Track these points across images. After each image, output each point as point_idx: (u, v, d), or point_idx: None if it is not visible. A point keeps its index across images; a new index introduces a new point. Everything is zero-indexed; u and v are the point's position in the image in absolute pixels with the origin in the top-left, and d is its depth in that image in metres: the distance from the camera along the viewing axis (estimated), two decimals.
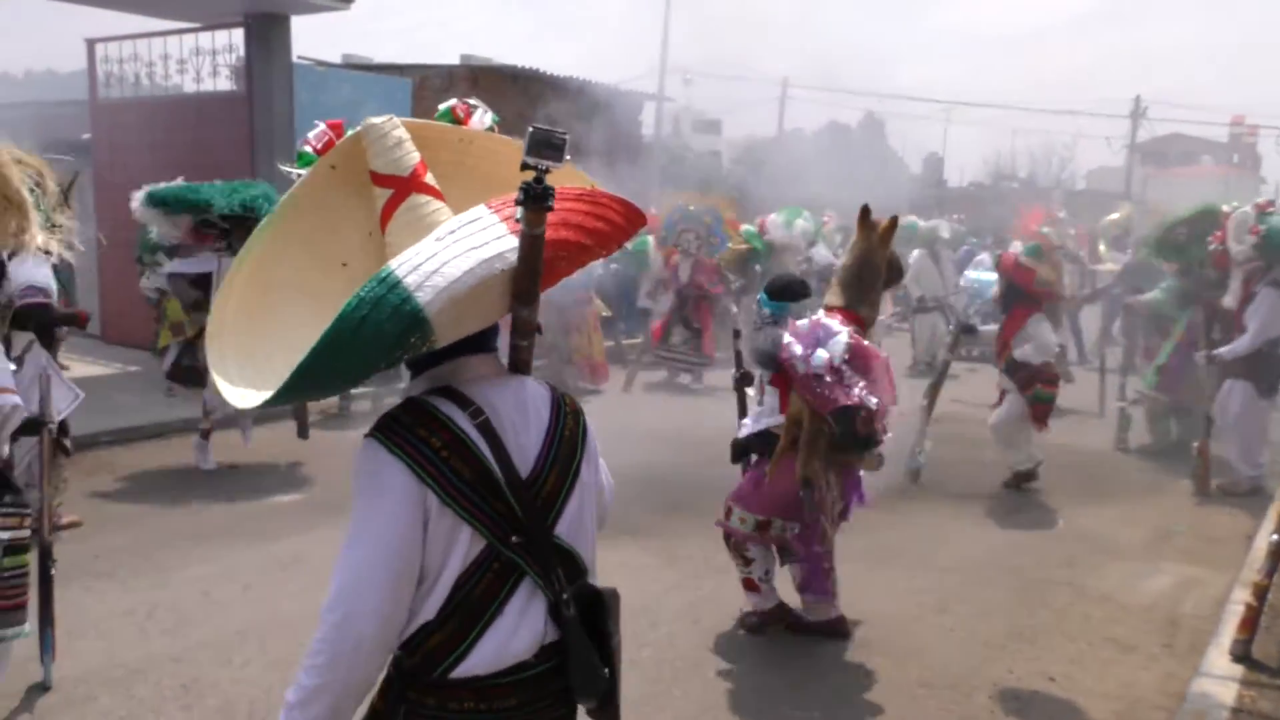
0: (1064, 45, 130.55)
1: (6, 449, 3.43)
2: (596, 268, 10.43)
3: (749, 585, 4.76)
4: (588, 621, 1.89)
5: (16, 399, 3.26)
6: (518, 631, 1.82)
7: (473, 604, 1.79)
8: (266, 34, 11.25)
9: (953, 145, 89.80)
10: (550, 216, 1.72)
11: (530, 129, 1.70)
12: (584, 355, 11.01)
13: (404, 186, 1.85)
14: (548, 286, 1.87)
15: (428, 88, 15.43)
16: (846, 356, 4.19)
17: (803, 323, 4.35)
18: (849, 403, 4.12)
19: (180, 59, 12.07)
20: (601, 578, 1.97)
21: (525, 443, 1.86)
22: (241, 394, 1.76)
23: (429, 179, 1.89)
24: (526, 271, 1.72)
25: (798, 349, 4.24)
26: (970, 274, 13.66)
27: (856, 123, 49.34)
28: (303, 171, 2.03)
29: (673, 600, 5.21)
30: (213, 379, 1.80)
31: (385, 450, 1.76)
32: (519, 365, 1.94)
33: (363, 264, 1.88)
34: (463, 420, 1.80)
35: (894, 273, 4.87)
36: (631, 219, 1.92)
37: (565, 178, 1.95)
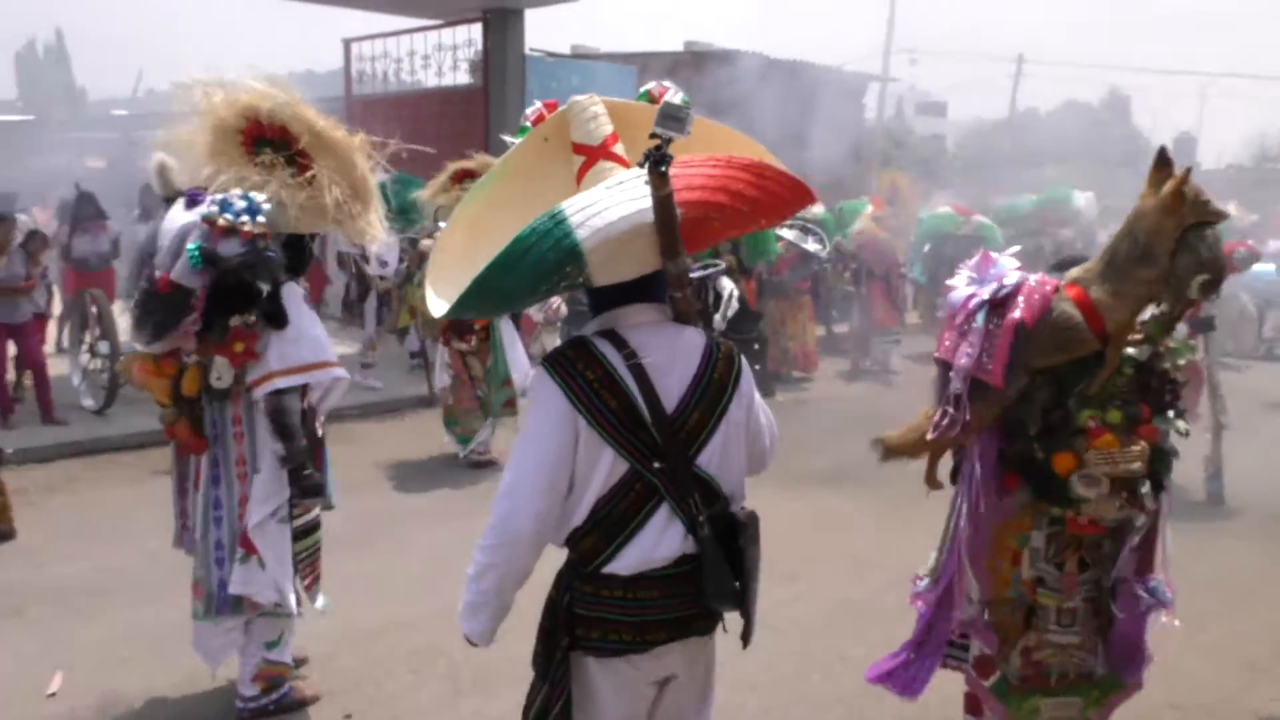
0: None
1: (321, 429, 3.76)
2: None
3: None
4: (724, 540, 2.15)
5: (341, 371, 3.59)
6: (658, 545, 2.13)
7: (616, 518, 2.12)
8: (502, 27, 11.75)
9: (1208, 123, 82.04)
10: (709, 181, 2.04)
11: (661, 103, 2.00)
12: (798, 344, 10.85)
13: (594, 154, 2.17)
14: (704, 246, 2.21)
15: (651, 73, 15.64)
16: (986, 299, 2.86)
17: (977, 257, 3.06)
18: (945, 357, 2.91)
19: (424, 54, 12.82)
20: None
21: (672, 383, 2.14)
22: (439, 305, 2.16)
23: (617, 149, 2.19)
24: (662, 228, 1.98)
25: (960, 280, 3.01)
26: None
27: (1098, 100, 46.26)
28: (517, 140, 2.37)
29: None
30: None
31: (549, 377, 2.11)
32: (678, 315, 2.22)
33: None
34: (616, 359, 2.10)
35: (1194, 261, 2.78)
36: (797, 194, 2.19)
37: (745, 149, 2.30)
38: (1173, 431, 2.90)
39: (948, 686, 3.50)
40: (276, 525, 3.49)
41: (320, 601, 3.80)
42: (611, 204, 1.94)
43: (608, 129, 2.19)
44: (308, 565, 3.71)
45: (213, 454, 3.50)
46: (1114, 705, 3.12)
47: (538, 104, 2.53)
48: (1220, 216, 2.78)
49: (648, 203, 1.96)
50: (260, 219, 3.27)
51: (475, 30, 12.17)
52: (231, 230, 3.23)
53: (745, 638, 2.30)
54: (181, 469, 3.65)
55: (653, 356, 2.12)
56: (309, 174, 3.35)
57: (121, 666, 4.11)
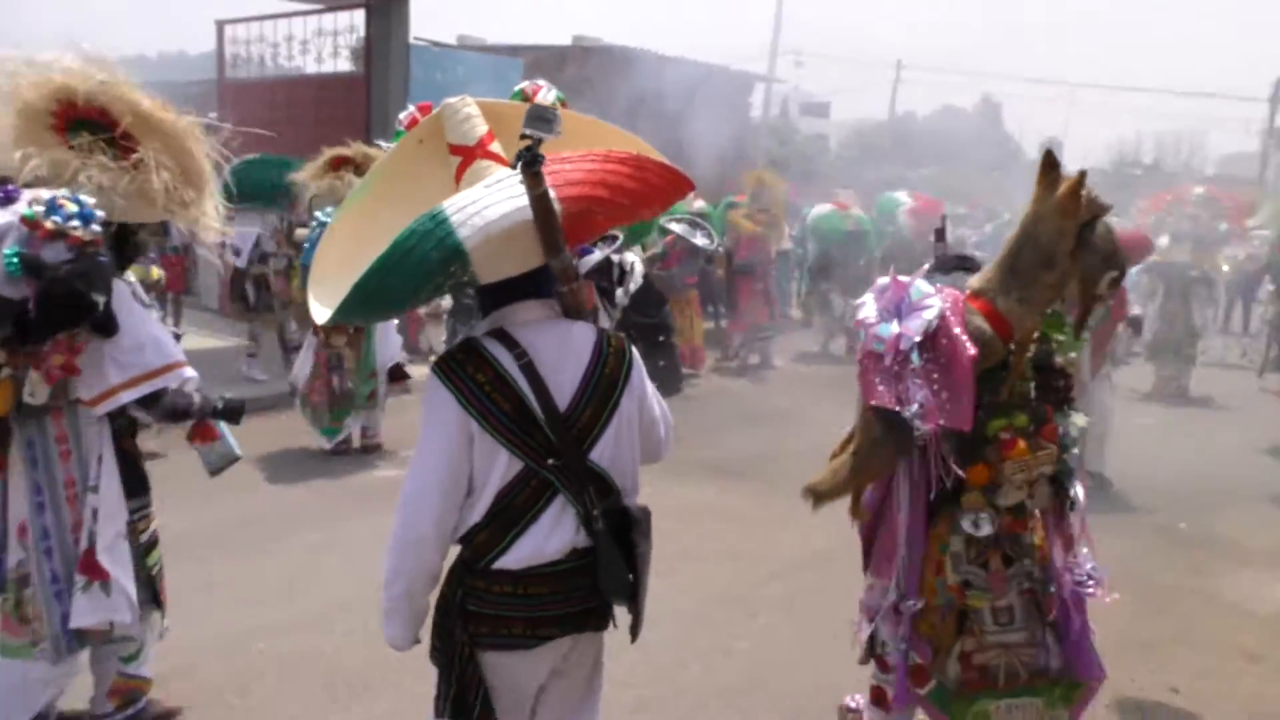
0: (1197, 25, 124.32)
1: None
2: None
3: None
4: (617, 534, 2.20)
5: (189, 371, 3.31)
6: (550, 537, 2.17)
7: (512, 512, 2.16)
8: (387, 14, 11.48)
9: (1074, 130, 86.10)
10: (588, 176, 2.08)
11: (529, 106, 2.09)
12: (685, 339, 10.92)
13: (470, 154, 2.19)
14: (586, 239, 2.33)
15: (540, 67, 15.51)
16: (917, 340, 2.75)
17: (884, 280, 2.94)
18: (886, 405, 2.74)
19: (303, 40, 12.43)
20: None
21: (563, 380, 2.17)
22: (322, 312, 2.16)
23: (493, 147, 2.21)
24: (542, 226, 2.02)
25: (870, 312, 2.89)
26: None
27: (972, 106, 48.04)
28: (392, 145, 2.40)
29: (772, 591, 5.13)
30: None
31: (440, 382, 2.14)
32: (566, 310, 2.24)
33: None
34: (507, 360, 2.13)
35: (1098, 259, 2.82)
36: (676, 184, 2.25)
37: (623, 143, 2.34)
38: (1078, 421, 2.96)
39: (835, 675, 3.54)
40: (121, 543, 3.22)
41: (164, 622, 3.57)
42: (491, 202, 1.97)
43: (483, 128, 2.22)
44: (161, 580, 3.47)
45: (33, 479, 3.13)
46: (1085, 702, 3.09)
47: (412, 108, 2.57)
48: (1107, 207, 2.83)
49: (526, 199, 1.99)
50: (94, 226, 2.96)
51: (357, 16, 11.84)
52: (59, 234, 2.90)
53: (634, 631, 2.35)
54: None
55: (543, 355, 2.16)
56: (134, 158, 3.05)
57: None
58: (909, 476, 2.94)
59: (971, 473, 2.82)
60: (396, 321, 7.71)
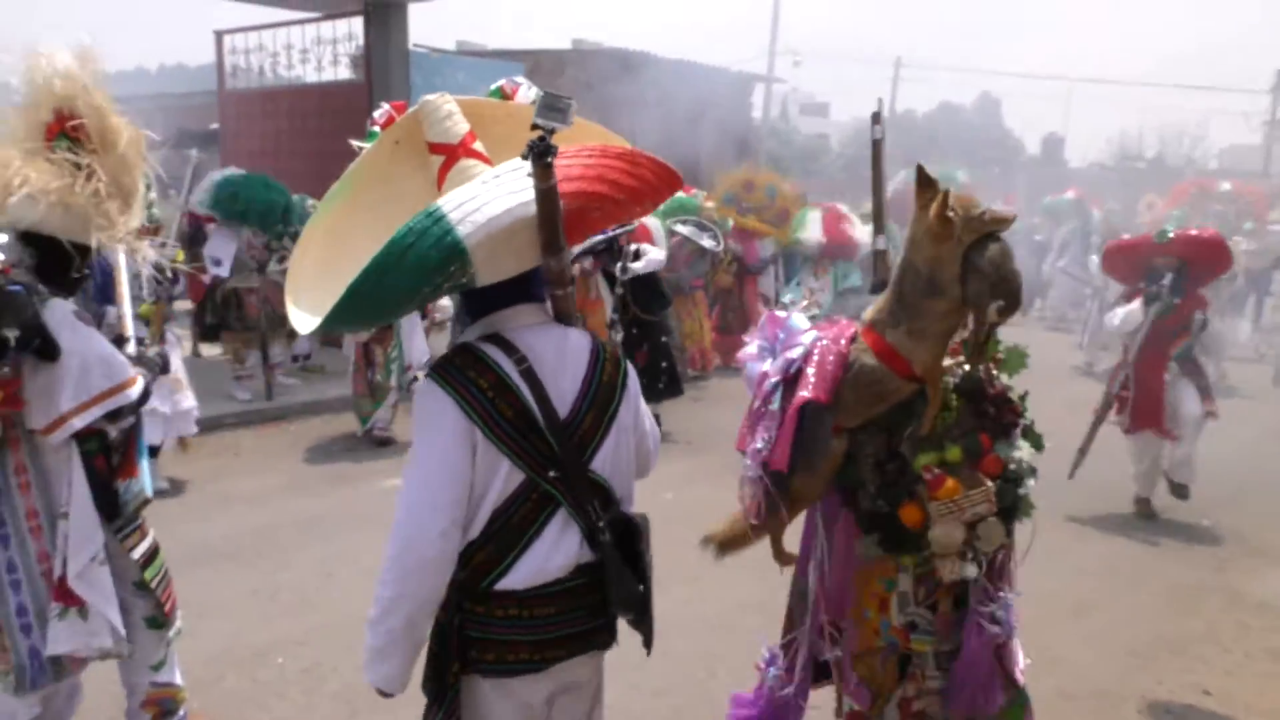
0: (1196, 17, 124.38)
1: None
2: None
3: None
4: (622, 545, 2.10)
5: (138, 388, 3.15)
6: (553, 554, 2.05)
7: (512, 528, 2.03)
8: (385, 21, 11.42)
9: (1075, 125, 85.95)
10: (587, 171, 2.00)
11: (541, 93, 1.97)
12: (694, 342, 10.86)
13: (454, 152, 2.10)
14: (583, 238, 2.16)
15: (539, 72, 15.49)
16: (776, 379, 2.66)
17: (763, 319, 2.82)
18: (741, 448, 2.71)
19: (303, 49, 12.37)
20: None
21: (564, 387, 2.08)
22: (306, 320, 2.03)
23: (477, 145, 2.12)
24: (544, 222, 1.93)
25: (750, 349, 2.81)
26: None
27: (970, 103, 47.95)
28: (367, 145, 2.26)
29: None
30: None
31: (439, 388, 2.00)
32: (559, 314, 2.16)
33: None
34: (508, 365, 2.02)
35: (985, 286, 2.44)
36: (666, 179, 2.16)
37: (603, 140, 2.24)
38: (1024, 452, 2.63)
39: None
40: (97, 567, 3.11)
41: (179, 622, 3.50)
42: (490, 198, 1.89)
43: (465, 126, 2.13)
44: (164, 590, 3.38)
45: None
46: None
47: (385, 106, 2.43)
48: (1001, 223, 2.45)
49: (527, 196, 1.91)
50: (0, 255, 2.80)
51: (356, 24, 11.77)
52: None
53: (648, 643, 2.27)
54: None
55: (543, 360, 2.06)
56: (71, 160, 2.89)
57: None
58: (821, 513, 2.81)
59: (904, 512, 2.58)
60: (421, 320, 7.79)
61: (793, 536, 2.90)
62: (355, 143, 2.43)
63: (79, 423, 2.99)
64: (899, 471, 2.60)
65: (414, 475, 2.01)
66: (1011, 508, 2.61)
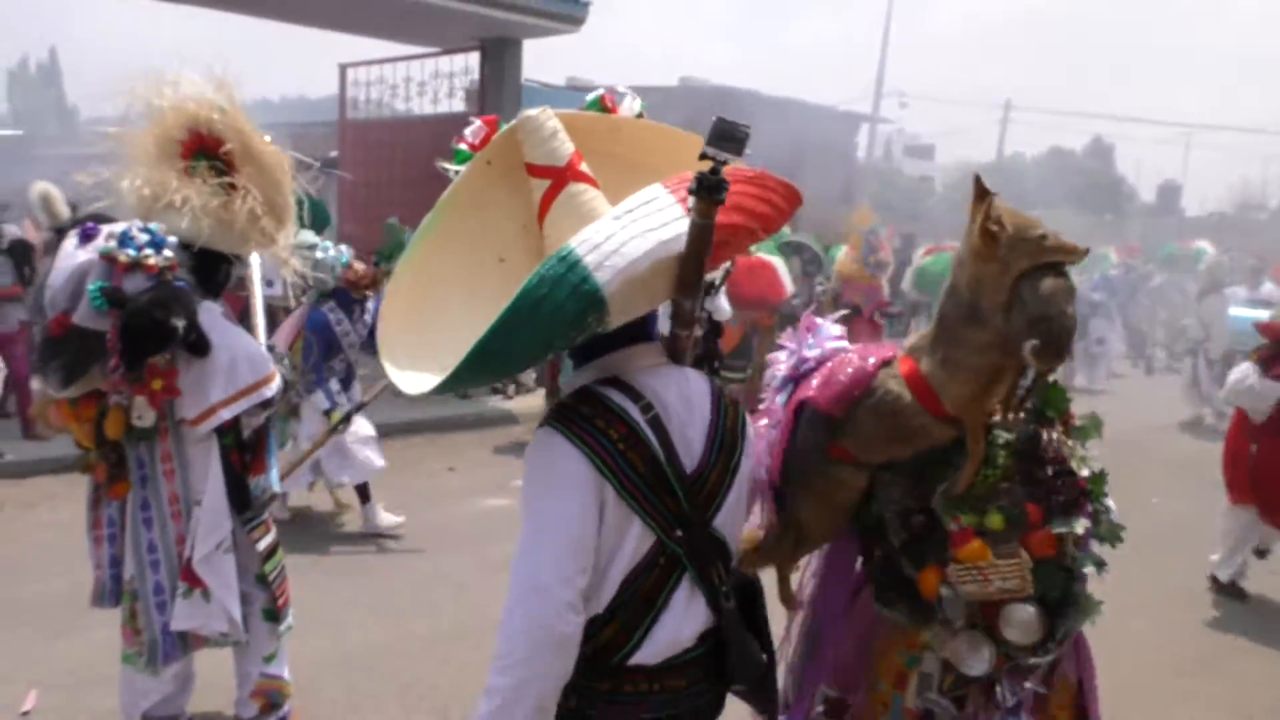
0: None
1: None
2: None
3: None
4: (743, 609, 1.93)
5: (278, 382, 3.42)
6: (685, 623, 1.85)
7: (641, 598, 1.82)
8: (500, 57, 11.79)
9: (1193, 172, 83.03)
10: (725, 200, 1.73)
11: (715, 119, 1.70)
12: None
13: (561, 176, 1.85)
14: (711, 270, 1.88)
15: (647, 107, 15.71)
16: (787, 374, 2.50)
17: (801, 321, 2.60)
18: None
19: (420, 81, 12.83)
20: None
21: (691, 436, 1.87)
22: (413, 380, 1.77)
23: (584, 168, 1.88)
24: (692, 258, 1.73)
25: (782, 353, 2.58)
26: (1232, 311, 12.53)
27: (1082, 148, 46.84)
28: (459, 168, 2.07)
29: None
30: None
31: (565, 440, 1.77)
32: (678, 355, 1.94)
33: (519, 258, 1.93)
34: (635, 413, 1.80)
35: (1023, 321, 2.07)
36: (791, 201, 1.93)
37: (677, 141, 2.05)
38: (1073, 531, 2.19)
39: None
40: (223, 555, 3.34)
41: (290, 619, 3.67)
42: (627, 238, 1.68)
43: (570, 146, 1.89)
44: (280, 584, 3.58)
45: (141, 496, 3.30)
46: None
47: (477, 123, 2.18)
48: (1064, 253, 2.08)
49: (667, 233, 1.71)
50: (167, 252, 3.10)
51: (472, 59, 12.20)
52: (135, 265, 3.04)
53: (771, 716, 2.08)
54: (96, 514, 3.42)
55: (670, 407, 1.86)
56: (226, 181, 3.17)
57: (99, 686, 3.98)
58: (828, 557, 2.56)
59: (923, 577, 2.26)
60: None
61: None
62: (443, 164, 2.20)
63: (227, 413, 3.26)
64: (926, 527, 2.27)
65: (537, 540, 1.76)
66: (1061, 601, 2.21)
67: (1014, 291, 2.06)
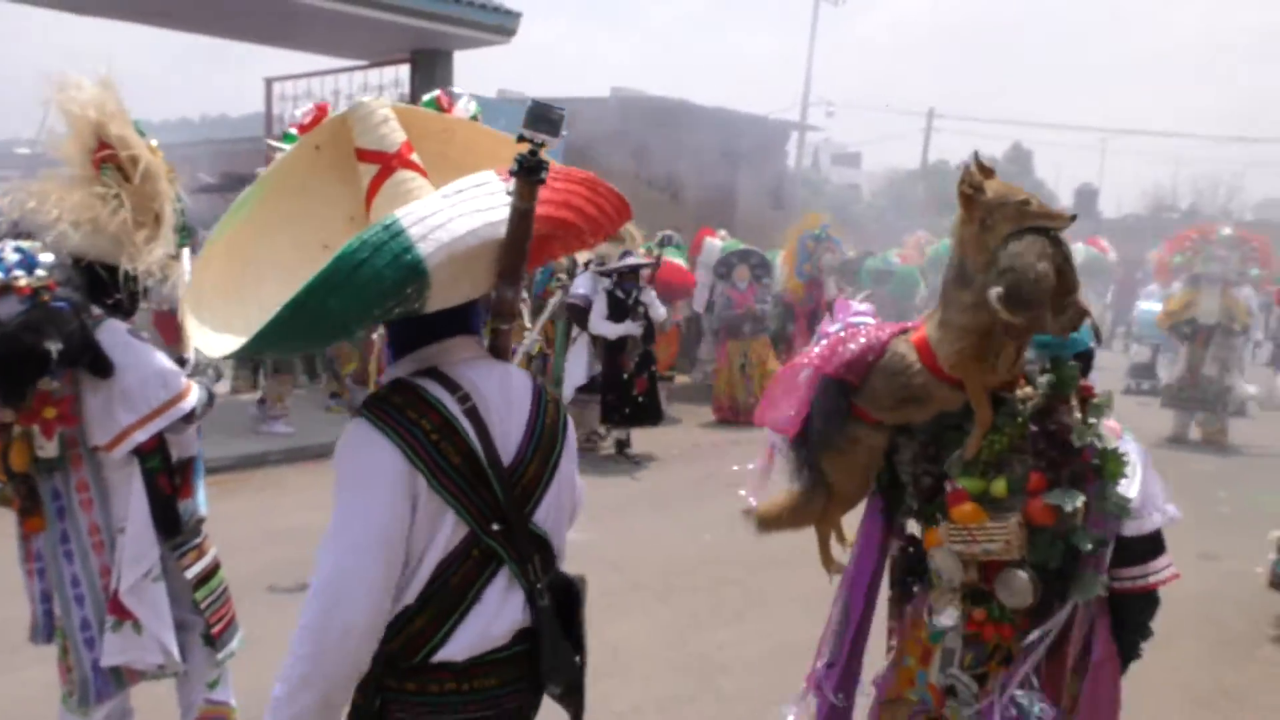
0: (1233, 71, 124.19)
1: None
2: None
3: None
4: (560, 609, 1.90)
5: (195, 396, 3.21)
6: (497, 618, 1.82)
7: (452, 590, 1.79)
8: (430, 69, 11.70)
9: (1109, 177, 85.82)
10: (554, 195, 1.78)
11: (530, 101, 1.72)
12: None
13: (389, 163, 1.85)
14: (535, 265, 1.95)
15: (580, 118, 15.72)
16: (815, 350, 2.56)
17: (836, 303, 2.76)
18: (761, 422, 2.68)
19: (349, 94, 12.63)
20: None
21: (509, 430, 1.86)
22: (221, 341, 1.76)
23: (414, 157, 1.88)
24: (513, 245, 1.72)
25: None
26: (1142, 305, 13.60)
27: (1003, 154, 48.02)
28: (285, 147, 2.03)
29: None
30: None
31: (375, 430, 1.75)
32: (498, 350, 1.95)
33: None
34: (451, 403, 1.79)
35: (993, 274, 2.18)
36: (621, 212, 1.96)
37: (498, 144, 2.04)
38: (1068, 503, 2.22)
39: None
40: (151, 584, 3.17)
41: (235, 643, 3.51)
42: (455, 215, 1.67)
43: (401, 135, 1.88)
44: (215, 611, 3.41)
45: (60, 528, 3.12)
46: None
47: (309, 106, 2.13)
48: (1047, 218, 2.18)
49: (495, 216, 1.70)
50: (40, 272, 2.92)
51: (403, 71, 12.07)
52: (5, 289, 2.86)
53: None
54: (27, 547, 3.22)
55: (488, 399, 1.84)
56: (110, 191, 3.00)
57: None
58: (862, 525, 2.61)
59: (928, 535, 2.38)
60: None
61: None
62: (272, 143, 2.16)
63: (141, 435, 3.07)
64: (934, 489, 2.38)
65: (344, 531, 1.73)
66: (1060, 572, 2.26)
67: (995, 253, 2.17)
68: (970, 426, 2.32)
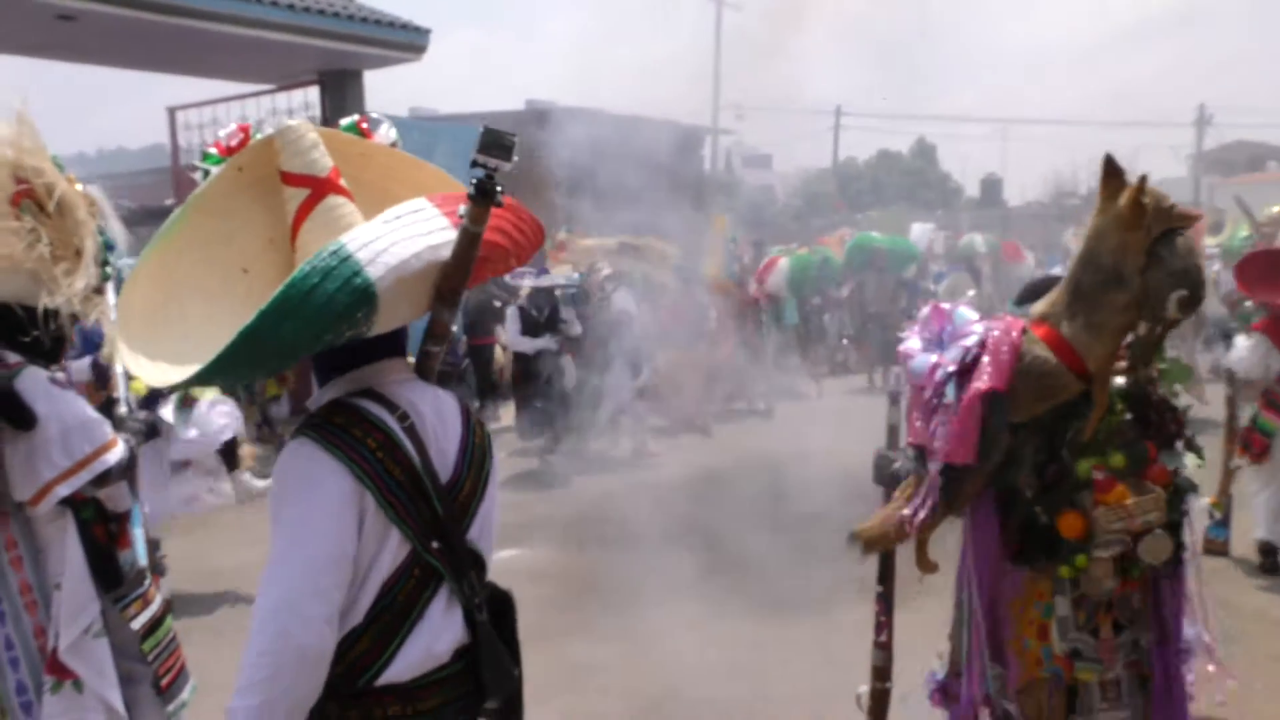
0: (1121, 57, 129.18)
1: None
2: None
3: None
4: (496, 623, 1.93)
5: (120, 450, 3.07)
6: (440, 636, 1.83)
7: (396, 609, 1.79)
8: (340, 89, 11.56)
9: (1012, 165, 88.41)
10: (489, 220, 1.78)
11: (482, 128, 1.75)
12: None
13: (321, 187, 1.85)
14: (468, 288, 1.93)
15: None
16: (952, 369, 2.55)
17: (926, 310, 2.77)
18: (920, 441, 2.63)
19: (258, 120, 12.36)
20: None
21: (445, 448, 1.89)
22: (159, 370, 1.75)
23: (344, 183, 1.89)
24: (458, 268, 1.77)
25: (914, 344, 2.71)
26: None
27: (907, 149, 49.17)
28: (209, 169, 2.02)
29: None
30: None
31: (321, 450, 1.75)
32: (426, 371, 1.99)
33: (264, 271, 1.91)
34: (392, 423, 1.81)
35: (1165, 275, 2.43)
36: (538, 237, 2.02)
37: (425, 175, 2.08)
38: (1187, 464, 2.57)
39: None
40: (92, 640, 3.03)
41: (186, 692, 3.36)
42: (398, 239, 1.70)
43: (330, 160, 1.89)
44: (164, 662, 3.27)
45: None
46: None
47: (232, 127, 2.13)
48: (1190, 220, 2.47)
49: (437, 239, 1.74)
50: None
51: (312, 93, 11.88)
52: None
53: None
54: None
55: (425, 418, 1.87)
56: (26, 226, 2.84)
57: None
58: (973, 523, 2.67)
59: (1062, 522, 2.49)
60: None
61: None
62: (196, 163, 2.13)
63: (64, 490, 2.92)
64: (1058, 475, 2.52)
65: (294, 550, 1.71)
66: (1178, 523, 2.54)
67: (1150, 254, 2.41)
68: (1084, 409, 2.51)
